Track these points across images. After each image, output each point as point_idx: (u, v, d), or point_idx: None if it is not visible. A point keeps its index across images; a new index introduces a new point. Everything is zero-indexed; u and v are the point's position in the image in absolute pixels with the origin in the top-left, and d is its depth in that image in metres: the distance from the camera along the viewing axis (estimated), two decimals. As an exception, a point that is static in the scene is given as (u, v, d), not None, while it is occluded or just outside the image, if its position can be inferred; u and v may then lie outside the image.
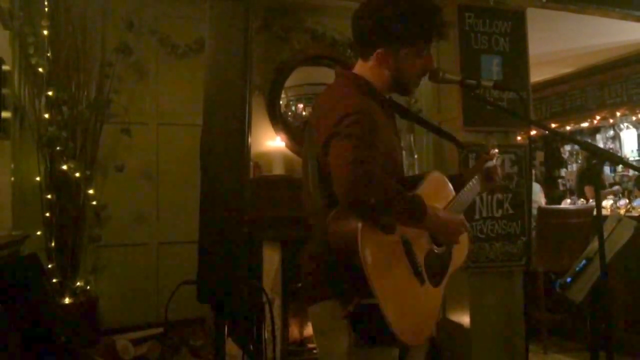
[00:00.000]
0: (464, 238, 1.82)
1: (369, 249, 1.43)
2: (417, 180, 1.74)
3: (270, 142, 4.02)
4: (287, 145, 3.94)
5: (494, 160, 2.04)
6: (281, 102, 4.09)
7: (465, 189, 1.86)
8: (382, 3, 1.67)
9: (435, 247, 1.69)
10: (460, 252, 1.83)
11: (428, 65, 1.74)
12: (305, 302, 1.71)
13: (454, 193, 1.83)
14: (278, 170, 3.90)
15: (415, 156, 3.97)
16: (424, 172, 1.88)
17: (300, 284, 1.75)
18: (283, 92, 4.08)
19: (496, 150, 2.08)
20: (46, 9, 3.38)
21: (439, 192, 1.78)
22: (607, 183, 6.55)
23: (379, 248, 1.48)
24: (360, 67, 1.75)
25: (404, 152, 3.90)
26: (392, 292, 1.48)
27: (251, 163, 3.56)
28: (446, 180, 1.85)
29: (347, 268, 1.47)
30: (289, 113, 4.14)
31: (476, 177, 1.94)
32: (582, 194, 6.24)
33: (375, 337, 1.51)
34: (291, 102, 4.15)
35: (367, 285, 1.41)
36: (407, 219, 1.52)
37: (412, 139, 4.01)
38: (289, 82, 4.08)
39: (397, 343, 1.52)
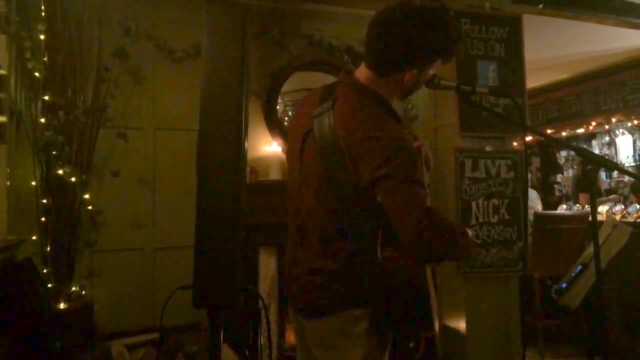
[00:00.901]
0: None
1: (430, 285, 1.52)
2: None
3: (267, 147, 4.02)
4: (283, 150, 3.95)
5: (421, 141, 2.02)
6: (278, 108, 4.09)
7: None
8: (410, 22, 1.57)
9: None
10: None
11: (436, 74, 1.73)
12: (305, 317, 1.67)
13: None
14: (275, 175, 3.90)
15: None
16: None
17: (293, 295, 1.72)
18: (280, 97, 4.09)
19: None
20: (43, 14, 3.38)
21: None
22: (602, 190, 6.55)
23: (430, 278, 1.57)
24: (372, 80, 1.66)
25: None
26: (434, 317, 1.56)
27: (248, 168, 3.56)
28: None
29: (407, 294, 1.52)
30: (286, 118, 4.14)
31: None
32: (578, 200, 6.26)
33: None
34: (288, 108, 4.16)
35: (427, 319, 1.51)
36: (465, 256, 1.65)
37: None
38: (285, 88, 4.09)
39: None
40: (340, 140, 1.55)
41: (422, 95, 4.20)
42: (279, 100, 4.09)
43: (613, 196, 5.52)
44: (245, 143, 2.29)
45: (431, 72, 1.69)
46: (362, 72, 1.68)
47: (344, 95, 1.65)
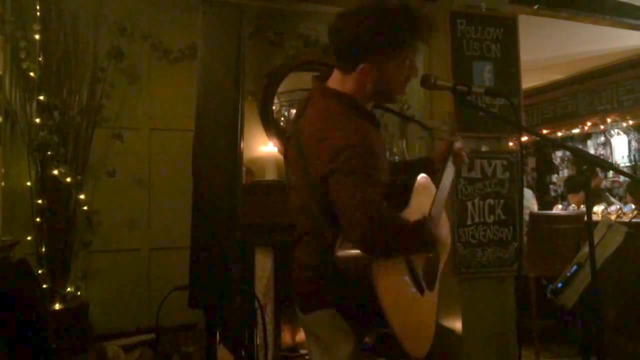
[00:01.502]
0: (447, 232, 1.87)
1: (384, 285, 1.44)
2: (404, 186, 1.73)
3: (263, 147, 4.02)
4: (279, 151, 3.94)
5: (458, 143, 2.01)
6: (274, 108, 4.09)
7: (443, 179, 1.85)
8: (361, 15, 1.59)
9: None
10: (445, 246, 1.86)
11: (412, 73, 1.68)
12: (300, 310, 1.70)
13: (434, 188, 1.84)
14: (271, 175, 3.90)
15: (408, 162, 3.98)
16: (409, 177, 1.86)
17: (292, 290, 1.75)
18: (276, 97, 4.08)
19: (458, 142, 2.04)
20: (38, 14, 3.37)
21: (425, 194, 1.78)
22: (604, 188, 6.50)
23: (389, 275, 1.49)
24: (340, 81, 1.67)
25: (396, 158, 3.93)
26: (405, 319, 1.51)
27: (244, 168, 3.55)
28: (429, 181, 1.85)
29: (359, 291, 1.48)
30: (282, 118, 4.14)
31: (448, 165, 1.90)
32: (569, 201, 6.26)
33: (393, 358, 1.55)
34: (284, 108, 4.16)
35: (380, 311, 1.43)
36: (420, 251, 1.58)
37: (404, 144, 4.02)
38: (281, 88, 4.09)
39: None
40: (304, 145, 1.60)
41: (417, 95, 4.20)
42: (275, 101, 4.09)
43: (614, 208, 5.46)
44: (241, 143, 2.28)
45: (392, 65, 1.63)
46: (334, 73, 1.71)
47: (313, 100, 1.69)
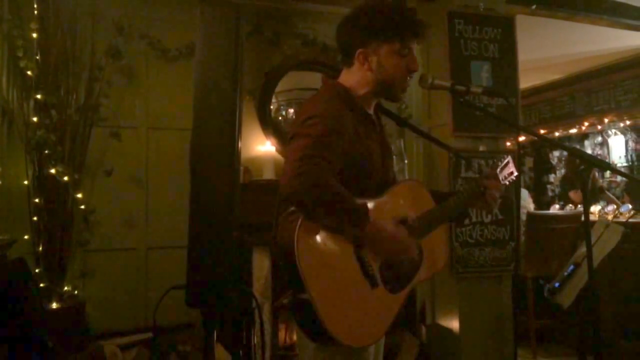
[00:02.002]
0: (440, 251, 1.82)
1: (306, 246, 1.45)
2: (392, 184, 1.75)
3: (261, 146, 4.01)
4: (277, 150, 3.94)
5: (500, 183, 1.89)
6: (272, 107, 4.09)
7: (448, 201, 1.81)
8: (357, 10, 1.71)
9: None
10: (434, 263, 1.80)
11: (411, 65, 1.70)
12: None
13: (432, 204, 1.81)
14: (268, 174, 3.89)
15: (406, 161, 3.98)
16: (400, 180, 1.86)
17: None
18: (273, 96, 4.08)
19: (513, 173, 1.92)
20: (35, 12, 3.36)
21: (410, 199, 1.76)
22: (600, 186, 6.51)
23: (320, 246, 1.48)
24: (345, 75, 1.76)
25: (394, 157, 3.92)
26: (329, 291, 1.47)
27: (241, 167, 3.55)
28: (422, 189, 1.83)
29: (286, 258, 1.48)
30: (280, 117, 4.14)
31: (466, 195, 1.85)
32: (570, 200, 6.27)
33: (313, 333, 1.50)
34: (282, 107, 4.16)
35: (301, 279, 1.42)
36: (346, 225, 1.49)
37: (402, 144, 4.02)
38: (279, 87, 4.08)
39: (335, 342, 1.46)
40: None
41: (415, 95, 4.20)
42: (273, 100, 4.09)
43: (610, 207, 5.46)
44: (239, 142, 2.29)
45: (386, 51, 1.67)
46: (342, 71, 1.78)
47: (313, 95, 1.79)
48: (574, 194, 5.74)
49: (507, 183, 1.91)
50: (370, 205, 1.56)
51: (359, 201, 1.52)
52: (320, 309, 1.42)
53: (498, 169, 1.91)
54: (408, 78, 1.73)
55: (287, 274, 1.49)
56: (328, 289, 1.47)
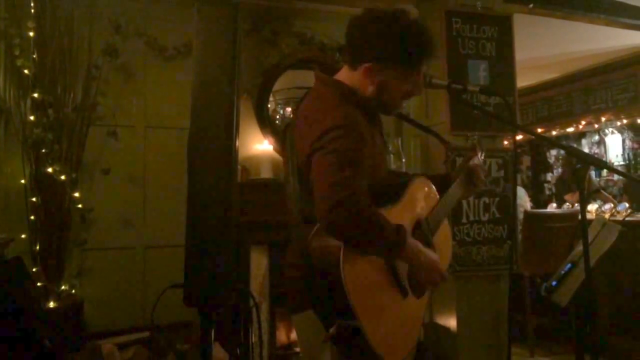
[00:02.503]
0: (446, 243, 1.82)
1: (351, 269, 1.39)
2: (402, 185, 1.70)
3: (258, 145, 4.01)
4: (275, 149, 3.94)
5: (478, 157, 1.99)
6: (269, 106, 4.09)
7: (448, 192, 1.83)
8: (376, 18, 1.61)
9: None
10: (444, 258, 1.80)
11: (415, 91, 1.68)
12: (289, 310, 1.68)
13: (437, 197, 1.81)
14: (266, 173, 3.89)
15: (404, 159, 3.98)
16: (409, 177, 1.83)
17: (283, 290, 1.71)
18: (271, 95, 4.08)
19: (479, 153, 2.03)
20: (32, 10, 3.35)
21: (423, 198, 1.75)
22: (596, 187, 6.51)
23: (361, 266, 1.43)
24: (347, 74, 1.69)
25: (392, 156, 3.93)
26: (374, 313, 1.44)
27: (239, 166, 3.55)
28: (430, 184, 1.82)
29: (329, 284, 1.40)
30: (277, 116, 4.14)
31: (458, 179, 1.89)
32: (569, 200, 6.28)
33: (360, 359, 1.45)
34: (279, 106, 4.15)
35: (349, 306, 1.36)
36: (386, 253, 1.47)
37: (400, 142, 4.02)
38: (277, 86, 4.09)
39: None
40: (296, 132, 1.63)
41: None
42: (271, 99, 4.09)
43: (608, 206, 5.46)
44: (237, 141, 2.28)
45: (393, 75, 1.63)
46: (343, 68, 1.73)
47: (312, 90, 1.74)
48: (569, 197, 5.75)
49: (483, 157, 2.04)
50: (394, 213, 1.53)
51: (394, 224, 1.46)
52: (370, 334, 1.39)
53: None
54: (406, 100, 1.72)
55: (327, 297, 1.42)
56: (373, 311, 1.44)
